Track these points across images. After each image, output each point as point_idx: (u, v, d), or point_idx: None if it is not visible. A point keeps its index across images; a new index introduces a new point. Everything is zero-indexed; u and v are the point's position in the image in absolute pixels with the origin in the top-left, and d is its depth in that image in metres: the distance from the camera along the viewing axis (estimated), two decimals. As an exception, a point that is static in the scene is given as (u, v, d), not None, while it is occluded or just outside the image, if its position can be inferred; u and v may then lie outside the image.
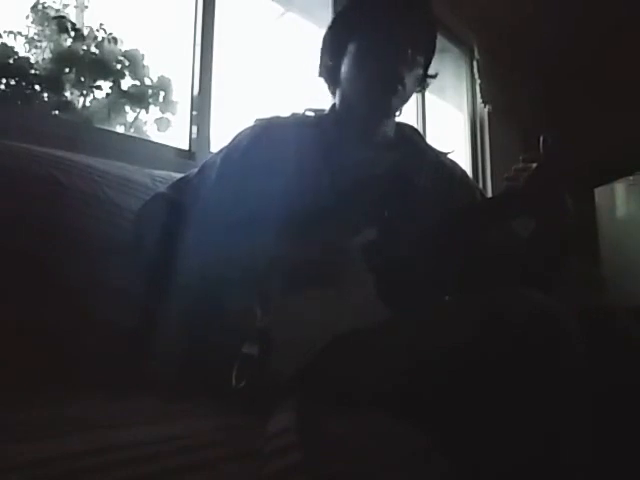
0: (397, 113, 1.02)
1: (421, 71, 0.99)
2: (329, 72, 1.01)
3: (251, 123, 1.00)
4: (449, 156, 1.10)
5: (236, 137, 0.98)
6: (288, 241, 0.83)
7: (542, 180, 0.82)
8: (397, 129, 1.04)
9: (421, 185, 0.95)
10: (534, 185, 0.82)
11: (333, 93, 1.03)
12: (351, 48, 0.96)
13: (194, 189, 0.96)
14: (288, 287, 0.81)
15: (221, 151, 0.98)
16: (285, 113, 1.02)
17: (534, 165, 0.82)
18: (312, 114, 1.03)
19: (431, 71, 1.03)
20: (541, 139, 0.81)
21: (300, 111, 1.03)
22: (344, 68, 0.97)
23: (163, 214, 0.94)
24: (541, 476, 0.55)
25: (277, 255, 0.83)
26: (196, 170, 1.01)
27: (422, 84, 1.03)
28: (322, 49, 1.02)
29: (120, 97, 1.71)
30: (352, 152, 0.95)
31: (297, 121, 1.01)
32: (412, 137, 1.07)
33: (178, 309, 0.86)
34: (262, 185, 0.88)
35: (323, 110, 1.04)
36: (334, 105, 1.03)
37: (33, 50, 1.57)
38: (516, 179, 0.85)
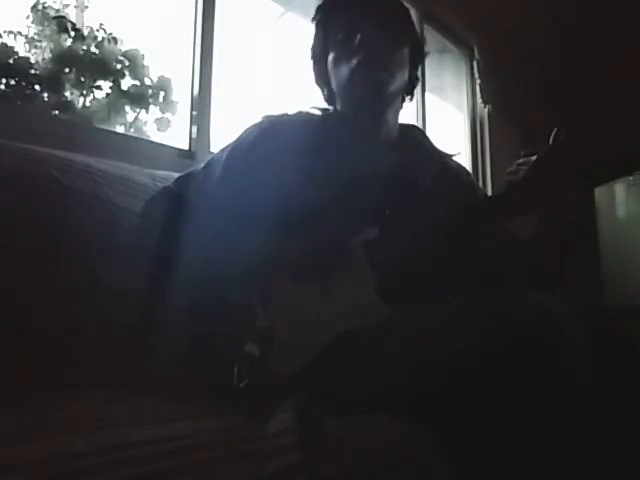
0: (397, 111, 1.02)
1: (407, 62, 0.99)
2: (322, 78, 1.02)
3: (258, 119, 1.00)
4: (455, 158, 1.10)
5: (243, 133, 0.98)
6: (288, 239, 0.83)
7: (541, 172, 0.82)
8: (401, 129, 1.04)
9: (423, 185, 0.95)
10: (533, 178, 0.82)
11: (327, 100, 1.04)
12: (331, 51, 0.97)
13: (199, 184, 0.96)
14: (288, 286, 0.80)
15: (228, 147, 0.98)
16: (292, 111, 1.02)
17: (534, 158, 0.83)
18: (318, 112, 1.03)
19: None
20: (554, 131, 0.81)
21: (306, 109, 1.03)
22: (330, 71, 0.98)
23: (169, 208, 0.94)
24: (542, 476, 0.55)
25: (277, 253, 0.82)
26: (202, 165, 1.01)
27: (413, 77, 1.03)
28: (312, 58, 1.03)
29: (120, 97, 1.71)
30: (354, 150, 0.95)
31: (303, 119, 1.01)
32: (416, 138, 1.07)
33: (180, 307, 0.86)
34: (265, 182, 0.88)
35: (328, 109, 1.04)
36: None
37: (33, 50, 1.57)
38: (517, 173, 0.85)
